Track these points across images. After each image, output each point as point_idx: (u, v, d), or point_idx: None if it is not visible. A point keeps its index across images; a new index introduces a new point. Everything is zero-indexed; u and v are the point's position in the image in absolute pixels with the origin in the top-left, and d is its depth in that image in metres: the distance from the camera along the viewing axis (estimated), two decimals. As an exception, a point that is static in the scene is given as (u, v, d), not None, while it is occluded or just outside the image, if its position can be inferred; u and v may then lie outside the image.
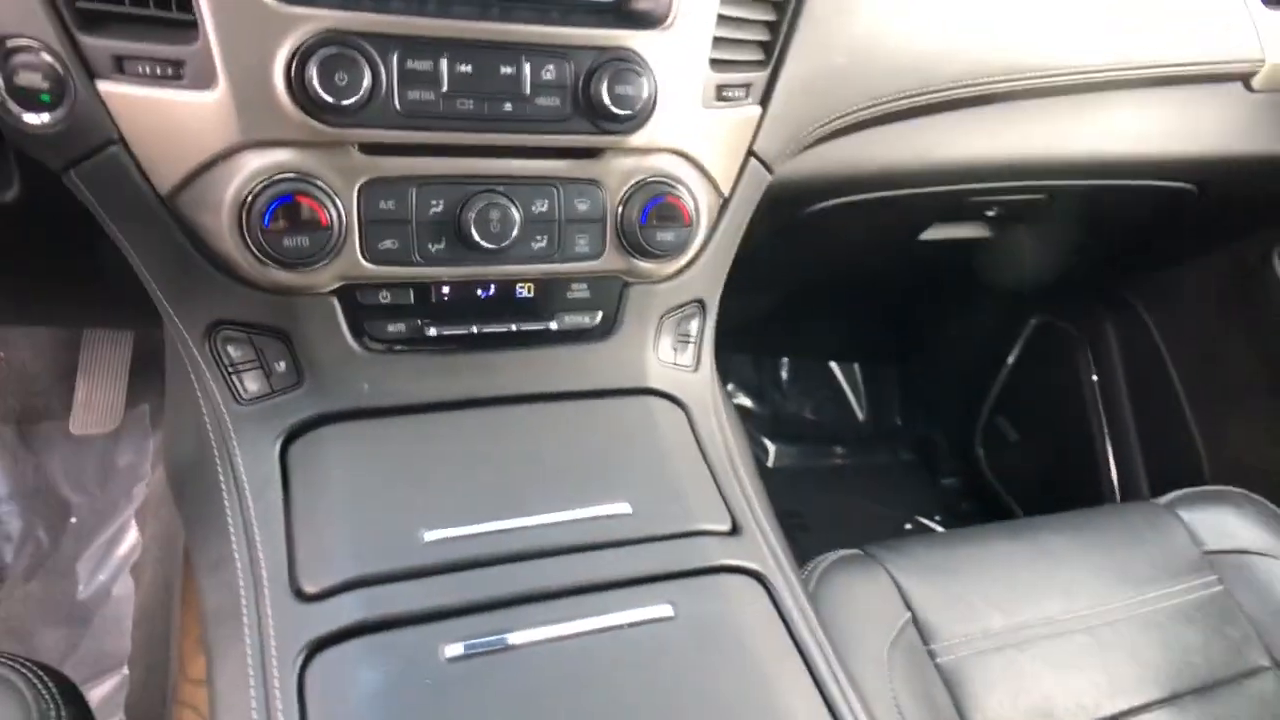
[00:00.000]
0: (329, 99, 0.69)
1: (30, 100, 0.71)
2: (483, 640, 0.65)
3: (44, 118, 0.71)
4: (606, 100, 0.76)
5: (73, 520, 1.69)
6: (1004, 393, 2.07)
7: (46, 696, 0.77)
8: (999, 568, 1.11)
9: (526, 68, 0.75)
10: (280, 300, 0.76)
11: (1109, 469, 1.81)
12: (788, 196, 1.07)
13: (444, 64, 0.73)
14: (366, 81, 0.70)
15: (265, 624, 0.65)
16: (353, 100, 0.70)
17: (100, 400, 1.71)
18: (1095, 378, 1.85)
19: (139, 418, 1.77)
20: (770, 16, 0.87)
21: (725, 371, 2.19)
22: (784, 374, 2.27)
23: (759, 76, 0.89)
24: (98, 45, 0.69)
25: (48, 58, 0.69)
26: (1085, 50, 1.12)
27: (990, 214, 1.38)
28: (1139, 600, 1.11)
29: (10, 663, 0.78)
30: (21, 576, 1.62)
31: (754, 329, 2.07)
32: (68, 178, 0.74)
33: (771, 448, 2.18)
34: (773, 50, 0.89)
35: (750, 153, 0.91)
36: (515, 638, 0.65)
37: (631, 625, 0.68)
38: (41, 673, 0.78)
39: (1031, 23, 1.08)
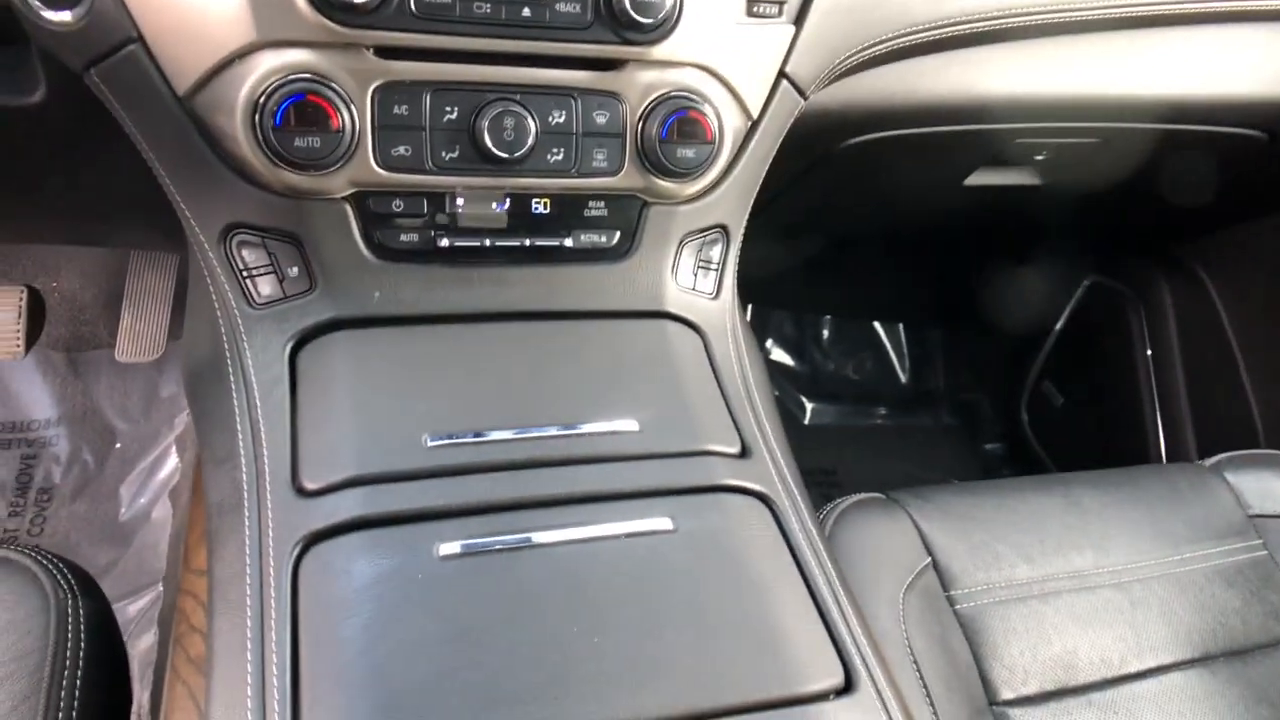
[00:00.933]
0: None
1: (53, -3, 0.71)
2: (478, 541, 0.64)
3: (65, 15, 0.72)
4: (629, 8, 0.74)
5: (117, 445, 1.73)
6: (1052, 356, 2.01)
7: (65, 586, 0.78)
8: (1028, 519, 1.08)
9: None
10: (294, 204, 0.76)
11: (1157, 436, 1.75)
12: (822, 127, 1.04)
13: None
14: None
15: (264, 516, 0.65)
16: (368, 0, 0.69)
17: (144, 329, 1.75)
18: (1148, 341, 1.79)
19: (178, 343, 1.81)
20: None
21: (765, 326, 2.16)
22: (825, 332, 2.23)
23: None
24: (118, -59, 0.69)
25: None
26: None
27: (1039, 158, 1.32)
28: (1177, 559, 1.07)
29: (31, 554, 0.80)
30: (69, 496, 1.67)
31: (795, 283, 2.04)
32: (88, 77, 0.74)
33: (809, 405, 2.15)
34: None
35: (782, 74, 0.88)
36: (510, 540, 0.65)
37: (629, 535, 0.67)
38: (61, 563, 0.80)
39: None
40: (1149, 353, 1.77)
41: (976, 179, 1.34)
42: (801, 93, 0.91)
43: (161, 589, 1.47)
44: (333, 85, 0.72)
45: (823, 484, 1.92)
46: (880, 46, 0.95)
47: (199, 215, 0.77)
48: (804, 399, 2.15)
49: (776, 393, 2.14)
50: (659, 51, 0.78)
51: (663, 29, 0.76)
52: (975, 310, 2.18)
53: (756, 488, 0.74)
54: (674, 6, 0.76)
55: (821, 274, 2.05)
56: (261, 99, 0.71)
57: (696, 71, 0.81)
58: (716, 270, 0.91)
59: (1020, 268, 2.02)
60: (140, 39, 0.72)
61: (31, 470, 1.68)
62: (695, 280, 0.89)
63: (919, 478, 2.05)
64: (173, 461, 1.68)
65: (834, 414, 2.16)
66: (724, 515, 0.71)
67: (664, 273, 0.87)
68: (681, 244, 0.88)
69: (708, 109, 0.80)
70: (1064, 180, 1.40)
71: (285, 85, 0.70)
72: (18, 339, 1.55)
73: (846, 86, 0.99)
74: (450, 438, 0.71)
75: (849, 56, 0.93)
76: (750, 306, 2.08)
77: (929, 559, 1.00)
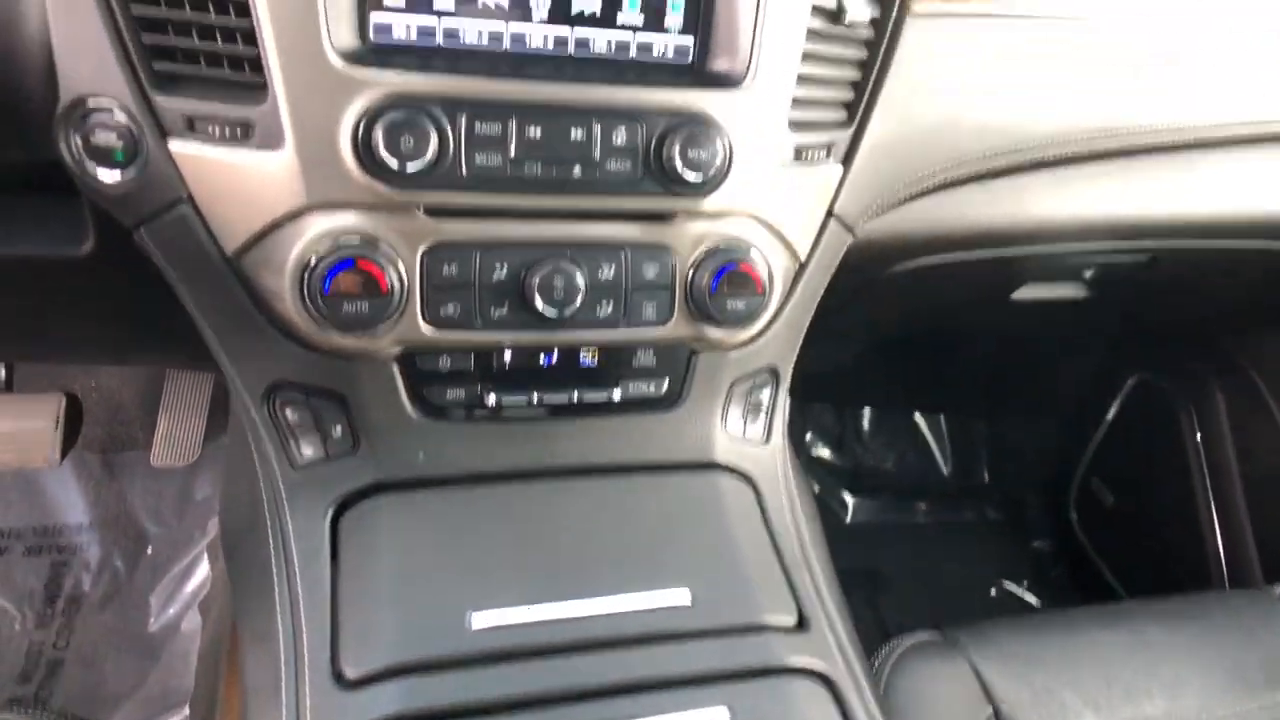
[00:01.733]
0: (394, 164, 0.67)
1: (105, 158, 0.71)
2: None
3: (117, 175, 0.72)
4: (679, 165, 0.73)
5: (149, 551, 1.72)
6: (1100, 453, 1.95)
7: None
8: (1093, 659, 1.02)
9: (597, 130, 0.72)
10: (339, 363, 0.74)
11: (1216, 546, 1.68)
12: (870, 256, 1.02)
13: (513, 127, 0.71)
14: (433, 146, 0.68)
15: (303, 709, 0.62)
16: (419, 165, 0.68)
17: (181, 434, 1.75)
18: (1200, 444, 1.73)
19: (218, 451, 1.80)
20: (854, 75, 0.83)
21: (804, 419, 2.13)
22: (865, 424, 2.19)
23: (841, 136, 0.85)
24: (171, 105, 0.69)
25: (122, 117, 0.70)
26: (1196, 106, 1.04)
27: (1088, 275, 1.30)
28: (1257, 707, 1.01)
29: None
30: (97, 605, 1.65)
31: (834, 375, 2.01)
32: (137, 234, 0.74)
33: (850, 501, 2.10)
34: (856, 109, 0.84)
35: (830, 214, 0.86)
36: None
37: None
38: None
39: (1134, 76, 1.01)
40: (1204, 458, 1.72)
41: (1024, 293, 1.32)
42: (850, 229, 0.89)
43: (188, 712, 1.44)
44: (382, 248, 0.71)
45: (868, 587, 1.87)
46: (928, 181, 0.93)
47: (243, 373, 0.76)
48: (845, 494, 2.11)
49: (817, 487, 2.10)
50: (708, 203, 0.77)
51: (712, 182, 0.75)
52: (1018, 400, 2.13)
53: (817, 667, 0.71)
54: (724, 161, 0.74)
55: (860, 365, 2.02)
56: (311, 264, 0.70)
57: (745, 220, 0.80)
58: (766, 413, 0.88)
59: (1063, 359, 1.98)
60: (190, 199, 0.72)
61: (61, 578, 1.67)
62: (745, 426, 0.87)
63: (966, 577, 1.99)
64: (203, 570, 1.66)
65: (876, 510, 2.11)
66: (784, 703, 0.67)
67: (713, 421, 0.85)
68: (731, 390, 0.86)
69: (756, 259, 0.79)
70: (1112, 293, 1.37)
71: (335, 250, 0.69)
72: (54, 448, 1.54)
73: (895, 215, 0.97)
74: (496, 614, 0.68)
75: (898, 191, 0.92)
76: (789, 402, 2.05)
77: (990, 709, 0.95)
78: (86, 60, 0.69)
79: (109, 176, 0.72)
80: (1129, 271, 1.27)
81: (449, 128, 0.69)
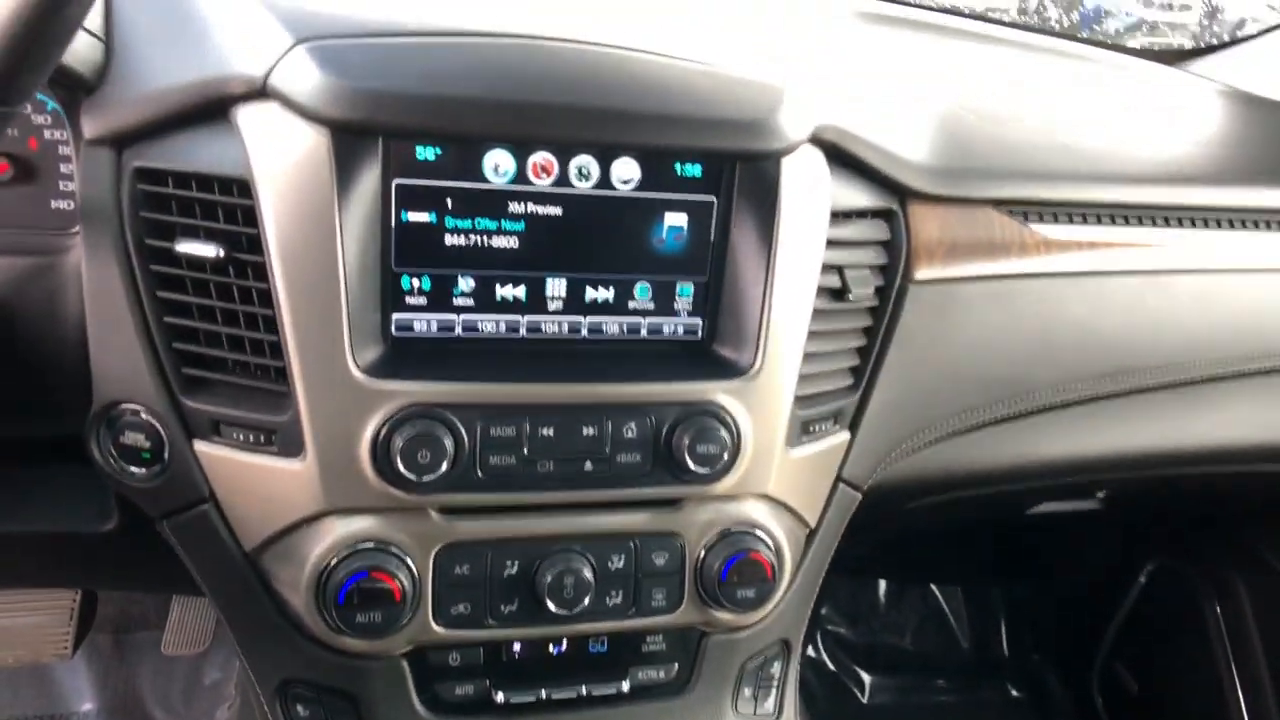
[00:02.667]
0: (411, 476, 0.69)
1: (133, 456, 0.74)
2: None
3: (143, 473, 0.74)
4: (687, 457, 0.75)
5: (155, 740, 1.69)
6: (1122, 636, 1.91)
7: None
8: None
9: (609, 426, 0.75)
10: (350, 663, 0.75)
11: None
12: (879, 501, 1.03)
13: (526, 428, 0.73)
14: (449, 454, 0.70)
15: None
16: (435, 476, 0.70)
17: (193, 621, 1.74)
18: (1225, 635, 1.69)
19: (228, 636, 1.79)
20: (860, 342, 0.86)
21: (819, 594, 2.09)
22: (881, 596, 2.16)
23: (848, 402, 0.87)
24: (198, 409, 0.72)
25: (151, 419, 0.73)
26: (1201, 343, 1.06)
27: (1100, 495, 1.30)
28: None
29: None
30: (100, 801, 1.62)
31: (847, 549, 1.98)
32: (160, 525, 0.76)
33: (867, 680, 2.05)
34: (862, 375, 0.87)
35: (839, 480, 0.88)
36: None
37: None
38: None
39: (1137, 318, 1.03)
40: (1229, 650, 1.68)
41: (1039, 509, 1.32)
42: (859, 489, 0.90)
43: None
44: (396, 551, 0.72)
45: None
46: (935, 433, 0.95)
47: (257, 667, 0.77)
48: (861, 672, 2.06)
49: (834, 670, 2.05)
50: (717, 488, 0.78)
51: (720, 472, 0.77)
52: (1037, 574, 2.10)
53: None
54: (732, 452, 0.76)
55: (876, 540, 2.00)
56: (327, 569, 0.71)
57: (753, 500, 0.81)
58: (778, 688, 0.88)
59: (1082, 542, 1.96)
60: (213, 498, 0.74)
61: (68, 769, 1.64)
62: (756, 705, 0.86)
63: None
64: (210, 762, 1.63)
65: (894, 689, 2.05)
66: None
67: (724, 704, 0.84)
68: (742, 670, 0.85)
69: (765, 546, 0.79)
70: (1127, 503, 1.37)
71: (349, 559, 0.71)
72: (65, 643, 1.54)
73: (904, 463, 0.98)
74: None
75: (905, 447, 0.93)
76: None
77: None
78: (120, 364, 0.72)
79: (136, 473, 0.74)
80: (1142, 488, 1.28)
81: (465, 434, 0.71)
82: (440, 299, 0.75)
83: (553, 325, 0.78)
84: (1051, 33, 1.51)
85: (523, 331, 0.78)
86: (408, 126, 0.68)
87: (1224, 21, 1.67)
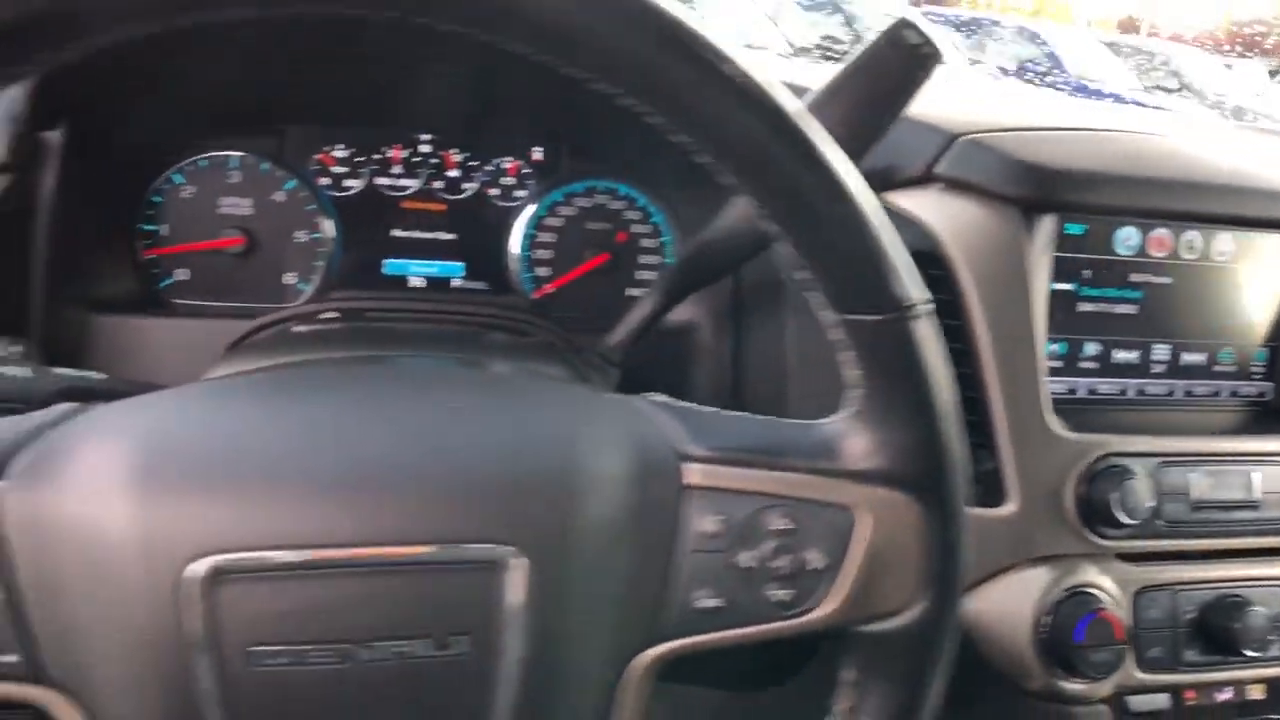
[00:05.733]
0: (1124, 519, 0.73)
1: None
2: None
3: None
4: None
5: None
6: None
7: None
8: None
9: (1257, 480, 0.80)
10: (1058, 709, 0.76)
11: None
12: None
13: (1193, 478, 0.78)
14: (1149, 501, 0.74)
15: None
16: (1139, 522, 0.74)
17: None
18: None
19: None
20: None
21: None
22: None
23: None
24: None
25: None
26: None
27: None
28: None
29: None
30: None
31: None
32: None
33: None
34: None
35: None
36: None
37: None
38: None
39: None
40: None
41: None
42: None
43: None
44: (1109, 595, 0.75)
45: None
46: None
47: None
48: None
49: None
50: None
51: None
52: None
53: None
54: None
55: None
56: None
57: None
58: None
59: None
60: None
61: None
62: None
63: None
64: None
65: None
66: None
67: None
68: None
69: None
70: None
71: (1074, 597, 0.74)
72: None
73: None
74: None
75: None
76: None
77: None
78: None
79: None
80: None
81: (1149, 478, 0.76)
82: (1070, 363, 0.82)
83: (1154, 388, 0.85)
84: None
85: (1130, 394, 0.85)
86: (1097, 204, 0.77)
87: None
